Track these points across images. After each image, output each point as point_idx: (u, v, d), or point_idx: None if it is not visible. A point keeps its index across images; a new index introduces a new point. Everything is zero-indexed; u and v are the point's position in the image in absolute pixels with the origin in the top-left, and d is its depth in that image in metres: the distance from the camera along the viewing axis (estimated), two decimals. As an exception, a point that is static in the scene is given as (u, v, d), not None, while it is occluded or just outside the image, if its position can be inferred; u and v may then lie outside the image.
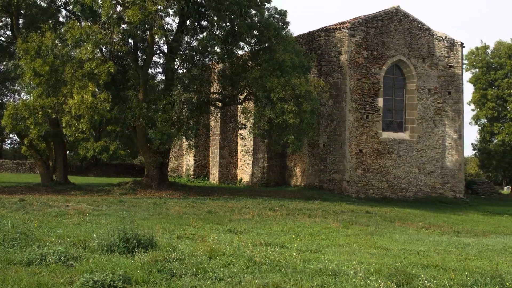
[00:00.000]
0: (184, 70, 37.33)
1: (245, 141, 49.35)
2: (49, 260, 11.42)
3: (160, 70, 39.30)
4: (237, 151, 51.75)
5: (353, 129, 41.36)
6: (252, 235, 18.16)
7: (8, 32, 39.75)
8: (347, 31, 41.47)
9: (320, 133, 40.95)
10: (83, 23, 33.42)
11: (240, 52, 39.03)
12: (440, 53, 45.18)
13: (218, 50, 36.79)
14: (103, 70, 30.33)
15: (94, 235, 14.00)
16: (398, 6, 44.47)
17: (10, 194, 29.95)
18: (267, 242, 16.26)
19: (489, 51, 68.81)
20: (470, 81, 69.24)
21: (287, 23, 37.66)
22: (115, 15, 31.61)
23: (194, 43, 37.14)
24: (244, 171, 50.16)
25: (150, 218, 21.61)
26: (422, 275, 11.13)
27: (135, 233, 13.24)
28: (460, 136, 45.23)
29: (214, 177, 52.06)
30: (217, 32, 36.25)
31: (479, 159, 70.64)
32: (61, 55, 31.62)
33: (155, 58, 38.04)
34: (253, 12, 35.87)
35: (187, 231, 18.00)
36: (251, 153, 48.74)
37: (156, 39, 35.60)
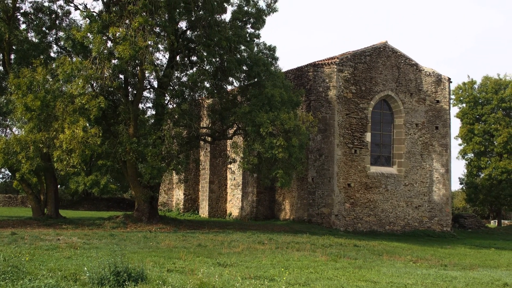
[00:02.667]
0: (174, 105, 37.60)
1: (234, 175, 49.54)
2: (40, 293, 11.55)
3: (150, 105, 39.58)
4: (226, 185, 51.93)
5: (341, 163, 41.65)
6: (241, 268, 18.30)
7: (0, 67, 39.97)
8: (335, 66, 41.94)
9: (308, 167, 41.21)
10: (74, 59, 33.66)
11: (229, 87, 39.43)
12: (428, 88, 45.70)
13: (207, 85, 37.17)
14: (94, 105, 30.53)
15: (85, 268, 14.11)
16: (386, 41, 45.05)
17: (2, 228, 29.96)
18: (256, 275, 16.42)
19: (476, 86, 69.48)
20: (457, 115, 69.79)
21: (276, 59, 38.05)
22: (106, 51, 31.89)
23: (184, 78, 37.50)
24: (234, 205, 50.27)
25: (141, 252, 21.72)
26: (408, 307, 11.35)
27: (126, 266, 13.38)
28: (448, 171, 45.55)
29: (203, 211, 52.13)
30: (207, 68, 36.67)
31: (466, 193, 70.88)
32: (53, 90, 31.81)
33: (145, 93, 38.31)
34: (243, 47, 36.29)
35: (177, 264, 18.13)
36: (240, 187, 48.92)
37: (147, 74, 35.93)
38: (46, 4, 38.29)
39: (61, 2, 37.53)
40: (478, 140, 66.72)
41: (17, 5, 37.54)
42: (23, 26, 39.10)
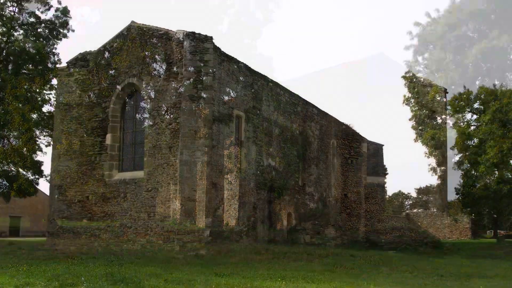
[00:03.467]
0: (171, 115, 37.69)
1: (231, 185, 49.54)
2: (39, 303, 11.60)
3: (147, 115, 39.64)
4: (223, 196, 51.88)
5: (338, 173, 41.75)
6: (238, 278, 18.33)
7: (-2, 78, 40.05)
8: (332, 75, 42.14)
9: (305, 177, 41.30)
10: (72, 69, 33.83)
11: (226, 98, 39.52)
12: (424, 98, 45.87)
13: (204, 95, 37.26)
14: (91, 115, 30.67)
15: (83, 278, 14.17)
16: (383, 52, 45.31)
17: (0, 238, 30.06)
18: (253, 285, 16.46)
19: (472, 96, 69.52)
20: (454, 126, 69.83)
21: (273, 69, 38.28)
22: (103, 61, 32.06)
23: (181, 89, 37.58)
24: (230, 215, 50.21)
25: (138, 262, 21.74)
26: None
27: (123, 276, 13.46)
28: (444, 181, 45.64)
29: (200, 221, 52.03)
30: (203, 78, 36.78)
31: (462, 203, 70.88)
32: (50, 100, 32.00)
33: (142, 103, 38.42)
34: (239, 58, 36.47)
35: (174, 275, 18.16)
36: (237, 198, 48.90)
37: (143, 85, 36.05)
38: (44, 15, 38.47)
39: (58, 13, 37.62)
40: (475, 151, 66.80)
41: (16, 15, 37.70)
42: (21, 37, 39.20)
